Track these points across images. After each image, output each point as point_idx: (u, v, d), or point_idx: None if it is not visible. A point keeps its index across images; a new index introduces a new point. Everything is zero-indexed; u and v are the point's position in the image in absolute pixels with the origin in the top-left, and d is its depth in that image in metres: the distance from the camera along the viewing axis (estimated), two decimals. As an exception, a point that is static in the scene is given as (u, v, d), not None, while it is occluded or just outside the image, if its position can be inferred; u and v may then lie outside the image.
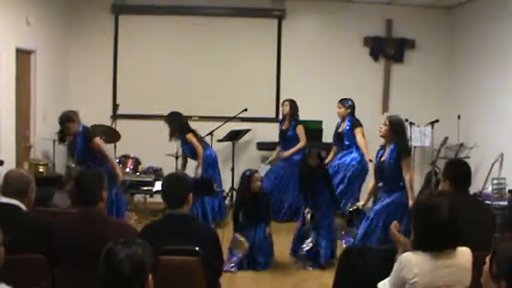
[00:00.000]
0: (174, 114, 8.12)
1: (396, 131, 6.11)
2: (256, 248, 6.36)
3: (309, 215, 6.41)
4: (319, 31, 10.09)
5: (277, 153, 8.90)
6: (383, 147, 6.24)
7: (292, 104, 8.66)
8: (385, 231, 5.49)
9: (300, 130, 8.58)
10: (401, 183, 6.01)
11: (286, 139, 8.70)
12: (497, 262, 2.46)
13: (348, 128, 8.00)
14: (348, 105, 8.08)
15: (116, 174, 6.85)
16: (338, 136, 8.15)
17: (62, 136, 7.41)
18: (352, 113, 8.08)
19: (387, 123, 6.16)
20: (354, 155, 7.93)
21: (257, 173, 6.47)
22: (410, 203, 5.79)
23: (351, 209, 6.53)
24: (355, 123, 8.01)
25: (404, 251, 3.25)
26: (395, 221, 3.92)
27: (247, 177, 6.38)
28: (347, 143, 8.00)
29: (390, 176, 6.07)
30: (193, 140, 7.98)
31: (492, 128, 8.28)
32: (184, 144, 8.10)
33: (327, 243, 6.44)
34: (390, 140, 6.11)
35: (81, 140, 6.77)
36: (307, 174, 6.58)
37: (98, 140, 6.83)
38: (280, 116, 9.37)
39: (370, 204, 6.68)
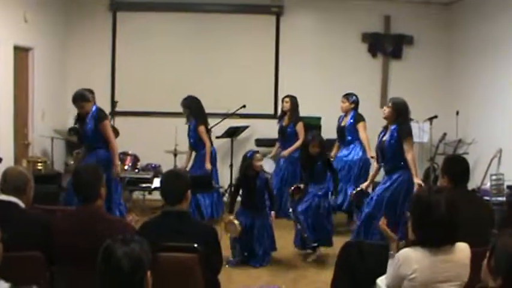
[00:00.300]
0: (191, 98, 8.17)
1: (399, 112, 6.13)
2: (254, 238, 6.36)
3: (291, 189, 6.48)
4: (317, 27, 10.08)
5: (276, 149, 8.87)
6: (385, 129, 6.26)
7: (293, 100, 8.61)
8: (388, 212, 5.65)
9: (300, 127, 8.54)
10: (402, 163, 6.06)
11: (286, 136, 8.67)
12: (496, 258, 2.46)
13: (350, 122, 7.94)
14: (352, 100, 8.02)
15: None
16: (340, 130, 8.09)
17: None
18: (355, 108, 8.03)
19: (390, 105, 6.18)
20: (355, 151, 7.91)
21: (259, 153, 6.49)
22: (416, 181, 5.89)
23: (354, 191, 6.62)
24: (358, 117, 7.96)
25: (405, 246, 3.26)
26: (383, 217, 3.94)
27: (250, 157, 6.41)
28: (349, 137, 7.93)
29: (391, 155, 6.12)
30: (204, 133, 8.04)
31: (490, 124, 8.29)
32: (193, 132, 8.11)
33: (319, 229, 6.48)
34: (392, 122, 6.14)
35: (91, 120, 6.71)
36: (307, 162, 6.61)
37: (107, 123, 6.76)
38: (279, 112, 9.40)
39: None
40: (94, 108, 6.75)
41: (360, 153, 7.87)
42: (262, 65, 10.00)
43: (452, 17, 9.82)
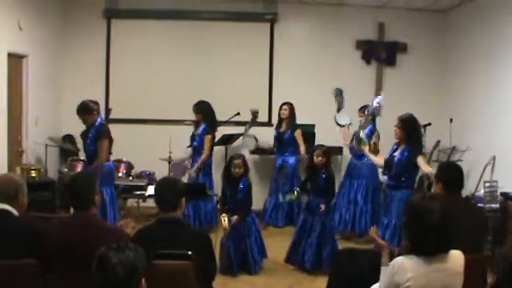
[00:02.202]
0: (202, 103, 8.26)
1: (411, 130, 6.15)
2: (246, 245, 6.36)
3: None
4: (311, 35, 10.10)
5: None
6: (398, 144, 6.30)
7: (291, 107, 8.65)
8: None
9: (298, 134, 8.57)
10: (404, 183, 6.10)
11: (283, 142, 8.69)
12: (496, 259, 2.53)
13: (366, 134, 7.73)
14: (369, 112, 7.93)
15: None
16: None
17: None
18: (373, 119, 7.92)
19: (400, 125, 6.16)
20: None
21: (237, 160, 6.41)
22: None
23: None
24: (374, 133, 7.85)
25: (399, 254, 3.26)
26: (372, 227, 3.96)
27: (229, 160, 6.52)
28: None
29: (396, 173, 6.16)
30: (209, 143, 8.13)
31: (484, 131, 8.30)
32: (199, 136, 8.16)
33: (315, 248, 6.40)
34: (405, 142, 6.18)
35: (93, 132, 6.66)
36: (311, 172, 6.58)
37: (105, 143, 6.62)
38: (273, 119, 9.45)
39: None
40: (99, 120, 6.71)
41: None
42: (257, 72, 10.00)
43: (446, 24, 9.85)
